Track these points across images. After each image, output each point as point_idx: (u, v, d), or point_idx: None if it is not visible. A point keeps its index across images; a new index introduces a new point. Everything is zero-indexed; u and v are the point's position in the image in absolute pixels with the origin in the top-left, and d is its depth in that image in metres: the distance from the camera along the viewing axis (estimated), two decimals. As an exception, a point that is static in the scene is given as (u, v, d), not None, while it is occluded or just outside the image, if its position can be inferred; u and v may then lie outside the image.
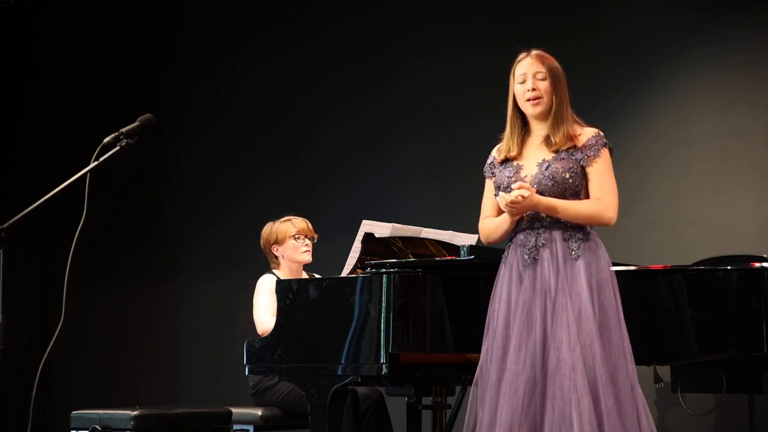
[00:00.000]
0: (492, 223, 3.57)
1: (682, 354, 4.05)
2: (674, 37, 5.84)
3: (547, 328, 3.35)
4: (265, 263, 5.06)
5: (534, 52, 3.54)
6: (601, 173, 3.47)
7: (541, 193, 3.42)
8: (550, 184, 3.43)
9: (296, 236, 4.89)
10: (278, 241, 4.89)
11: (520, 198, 3.36)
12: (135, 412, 4.33)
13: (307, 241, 4.91)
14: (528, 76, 3.50)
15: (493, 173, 3.59)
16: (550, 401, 3.28)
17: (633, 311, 3.81)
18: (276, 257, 4.92)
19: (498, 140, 3.63)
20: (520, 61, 3.54)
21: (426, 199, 6.33)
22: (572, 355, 3.27)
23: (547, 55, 3.54)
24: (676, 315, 3.90)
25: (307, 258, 4.91)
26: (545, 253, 3.42)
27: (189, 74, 7.33)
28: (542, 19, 6.12)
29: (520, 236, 3.49)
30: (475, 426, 3.41)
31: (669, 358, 4.32)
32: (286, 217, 4.96)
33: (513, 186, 3.42)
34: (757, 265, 3.88)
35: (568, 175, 3.44)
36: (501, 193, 3.45)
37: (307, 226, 4.94)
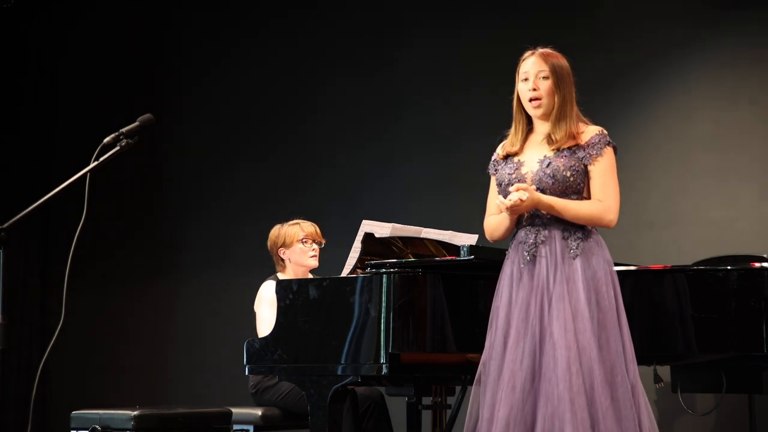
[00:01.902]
0: (494, 221, 3.57)
1: (683, 354, 4.05)
2: (675, 37, 5.84)
3: (544, 325, 3.34)
4: (265, 263, 5.06)
5: (539, 50, 3.52)
6: (603, 173, 3.45)
7: (541, 190, 3.41)
8: (550, 182, 3.42)
9: (304, 240, 4.89)
10: (285, 244, 4.89)
11: (518, 201, 3.36)
12: (135, 412, 4.33)
13: (315, 246, 4.91)
14: (530, 75, 3.48)
15: (496, 170, 3.58)
16: (543, 399, 3.28)
17: (634, 311, 3.81)
18: (282, 260, 4.92)
19: (503, 137, 3.62)
20: (525, 59, 3.52)
21: (426, 198, 6.33)
22: (568, 353, 3.27)
23: (552, 53, 3.51)
24: (676, 315, 3.90)
25: (314, 263, 4.91)
26: (544, 251, 3.41)
27: (189, 74, 7.33)
28: (542, 19, 6.12)
29: (521, 233, 3.49)
30: (476, 424, 3.41)
31: (669, 358, 4.32)
32: (295, 221, 4.96)
33: (511, 189, 3.41)
34: (757, 265, 3.88)
35: (569, 173, 3.43)
36: (500, 197, 3.45)
37: (315, 230, 4.94)
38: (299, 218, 5.00)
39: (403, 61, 6.58)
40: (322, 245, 4.96)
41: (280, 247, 4.91)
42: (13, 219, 2.94)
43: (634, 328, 3.47)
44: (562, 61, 3.51)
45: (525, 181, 3.46)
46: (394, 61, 6.62)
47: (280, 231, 4.94)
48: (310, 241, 4.90)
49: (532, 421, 3.30)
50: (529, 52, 3.53)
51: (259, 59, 7.08)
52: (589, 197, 3.47)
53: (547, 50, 3.52)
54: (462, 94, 6.34)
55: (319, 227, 5.01)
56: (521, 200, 3.35)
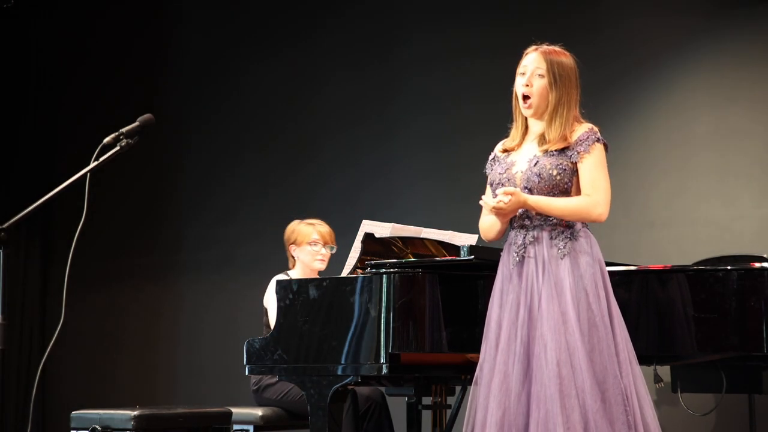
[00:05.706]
0: (487, 222, 3.55)
1: (683, 354, 4.04)
2: (674, 37, 5.84)
3: (534, 327, 3.31)
4: (266, 263, 5.07)
5: (543, 47, 3.47)
6: (592, 169, 3.40)
7: (530, 189, 3.38)
8: (537, 180, 3.39)
9: (314, 243, 4.90)
10: (296, 242, 4.92)
11: (502, 204, 3.34)
12: (135, 412, 4.33)
13: (324, 250, 4.92)
14: (528, 70, 3.45)
15: (492, 169, 3.55)
16: (535, 402, 3.25)
17: (634, 311, 3.81)
18: (293, 257, 4.95)
19: (505, 136, 3.60)
20: (527, 53, 3.48)
21: (426, 198, 6.33)
22: (558, 355, 3.24)
23: (555, 51, 3.46)
24: (676, 315, 3.89)
25: (320, 266, 4.93)
26: (532, 252, 3.39)
27: (189, 74, 7.33)
28: (543, 17, 6.11)
29: (512, 234, 3.47)
30: (474, 426, 3.40)
31: (669, 358, 4.32)
32: (312, 221, 4.98)
33: (498, 192, 3.39)
34: (757, 265, 3.88)
35: (555, 172, 3.38)
36: (483, 197, 3.43)
37: (330, 234, 4.95)
38: (318, 219, 5.00)
39: (404, 60, 6.58)
40: (334, 250, 4.95)
41: (291, 243, 4.95)
42: (13, 219, 2.93)
43: (635, 328, 3.46)
44: (565, 59, 3.46)
45: (514, 181, 3.43)
46: (395, 60, 6.62)
47: (294, 228, 4.97)
48: (320, 244, 4.91)
49: (525, 424, 3.28)
50: (533, 47, 3.49)
51: (260, 59, 7.07)
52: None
53: (552, 48, 3.47)
54: (463, 94, 6.34)
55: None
56: (504, 203, 3.33)
